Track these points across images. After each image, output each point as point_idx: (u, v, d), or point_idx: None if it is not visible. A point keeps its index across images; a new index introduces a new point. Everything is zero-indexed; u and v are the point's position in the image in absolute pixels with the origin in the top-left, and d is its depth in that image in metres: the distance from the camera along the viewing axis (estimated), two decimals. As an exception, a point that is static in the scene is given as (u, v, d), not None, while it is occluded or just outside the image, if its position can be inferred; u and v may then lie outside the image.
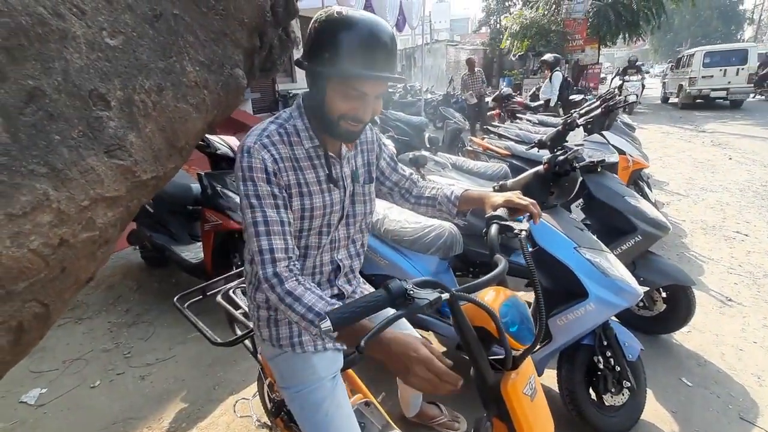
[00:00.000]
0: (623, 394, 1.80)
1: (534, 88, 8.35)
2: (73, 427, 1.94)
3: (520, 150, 3.73)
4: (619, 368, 1.76)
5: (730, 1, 37.92)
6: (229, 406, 2.00)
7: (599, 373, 1.76)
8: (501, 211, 1.07)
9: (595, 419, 1.75)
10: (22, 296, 0.61)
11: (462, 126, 6.01)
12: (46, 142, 0.63)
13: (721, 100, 11.91)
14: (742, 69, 11.18)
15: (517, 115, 6.13)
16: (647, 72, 17.22)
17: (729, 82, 11.32)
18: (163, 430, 1.91)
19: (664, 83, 15.14)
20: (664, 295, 2.38)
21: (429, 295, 0.70)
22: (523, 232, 0.94)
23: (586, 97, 7.02)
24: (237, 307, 1.51)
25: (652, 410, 1.92)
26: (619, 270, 1.75)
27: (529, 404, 0.87)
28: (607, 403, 1.81)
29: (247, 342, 1.49)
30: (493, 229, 0.99)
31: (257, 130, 0.99)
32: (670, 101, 14.26)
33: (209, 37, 0.93)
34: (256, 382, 1.86)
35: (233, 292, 1.59)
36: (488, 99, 8.43)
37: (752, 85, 11.71)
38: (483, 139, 4.18)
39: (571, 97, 6.85)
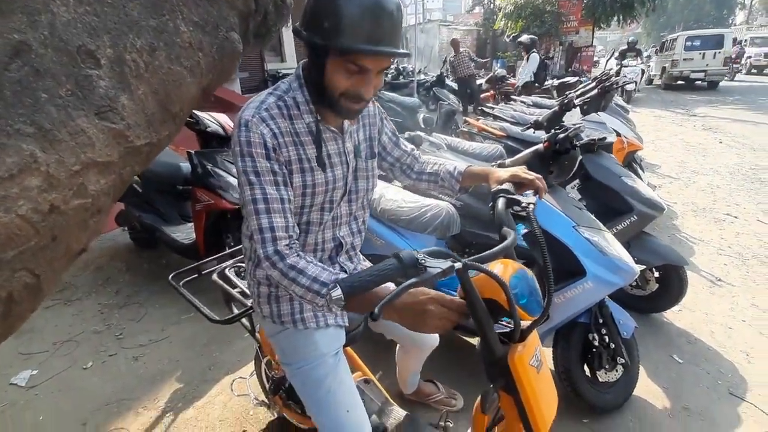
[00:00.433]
0: (617, 371, 1.83)
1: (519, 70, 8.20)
2: (65, 408, 1.92)
3: (516, 131, 3.70)
4: (613, 345, 1.79)
5: (724, -15, 37.86)
6: (225, 386, 1.99)
7: (594, 350, 1.78)
8: (507, 186, 1.05)
9: (590, 395, 1.77)
10: (12, 265, 0.58)
11: (456, 108, 5.94)
12: (33, 100, 0.59)
13: (700, 81, 12.84)
14: (719, 53, 12.13)
15: (511, 96, 6.08)
16: (648, 57, 16.41)
17: (707, 65, 12.29)
18: (159, 410, 1.90)
19: (648, 66, 15.79)
20: (656, 274, 2.41)
21: (441, 264, 0.68)
22: (531, 206, 0.92)
23: (581, 79, 6.98)
24: (233, 286, 1.48)
25: (644, 386, 1.96)
26: (616, 249, 1.75)
27: (536, 376, 0.86)
28: (600, 380, 1.85)
29: (245, 320, 1.46)
30: (500, 202, 0.97)
31: (255, 102, 0.94)
32: (654, 82, 15.32)
33: (203, -5, 0.88)
34: (252, 362, 1.84)
35: (229, 271, 1.56)
36: (481, 81, 8.34)
37: (727, 68, 12.67)
38: (478, 120, 4.13)
39: (565, 79, 6.80)
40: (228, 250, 1.71)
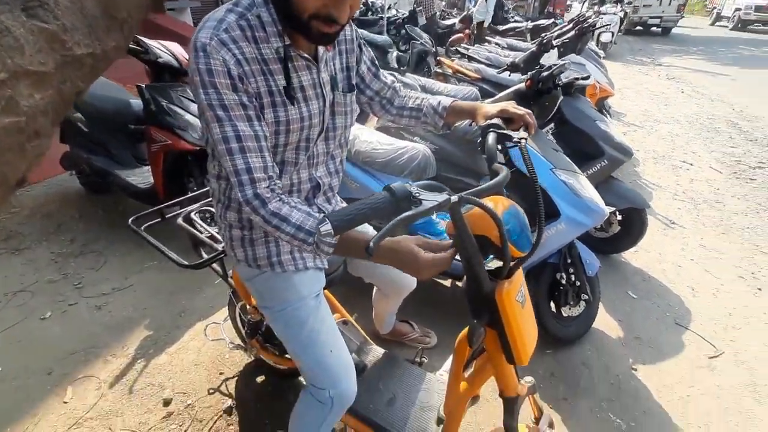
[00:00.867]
0: (580, 306, 1.94)
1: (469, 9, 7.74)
2: (27, 358, 1.83)
3: (491, 73, 3.60)
4: (579, 283, 1.88)
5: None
6: (198, 331, 1.96)
7: (561, 288, 1.87)
8: (496, 122, 1.00)
9: (554, 329, 1.89)
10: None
11: (429, 48, 5.67)
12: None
13: (656, 28, 13.84)
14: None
15: (486, 38, 5.86)
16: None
17: (663, 11, 13.01)
18: (129, 356, 1.85)
19: (624, 11, 15.85)
20: (619, 217, 2.51)
21: (437, 197, 0.63)
22: (524, 141, 0.88)
23: (556, 21, 6.82)
24: (201, 231, 1.39)
25: (602, 320, 2.10)
26: (589, 191, 1.78)
27: (520, 311, 0.87)
28: (564, 315, 1.96)
29: (215, 265, 1.39)
30: (491, 137, 0.92)
31: (211, 21, 0.80)
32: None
33: None
34: (226, 307, 1.80)
35: (195, 215, 1.46)
36: (455, 20, 7.96)
37: (680, 14, 13.30)
38: (452, 61, 3.97)
39: (539, 22, 6.62)
40: (191, 194, 1.59)
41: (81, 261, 2.48)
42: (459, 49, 4.35)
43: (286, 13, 0.81)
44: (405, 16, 7.70)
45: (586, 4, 11.69)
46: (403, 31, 7.03)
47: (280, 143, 0.92)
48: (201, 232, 1.38)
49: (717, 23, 18.37)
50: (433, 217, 1.99)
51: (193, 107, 2.42)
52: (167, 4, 6.12)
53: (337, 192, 1.17)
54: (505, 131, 0.92)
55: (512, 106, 1.04)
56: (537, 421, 1.07)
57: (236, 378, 1.74)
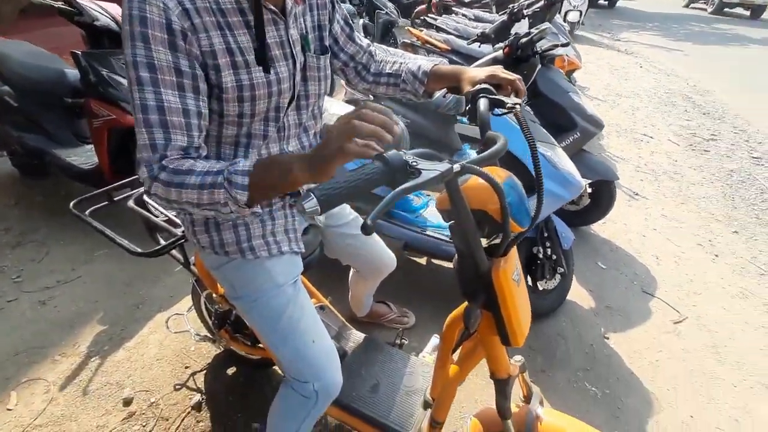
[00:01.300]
0: (555, 279, 1.95)
1: None
2: (-42, 363, 1.62)
3: (461, 44, 3.49)
4: (555, 257, 1.88)
5: None
6: (159, 324, 1.81)
7: (539, 262, 1.86)
8: (486, 86, 0.91)
9: (532, 303, 1.88)
10: None
11: (395, 18, 5.46)
12: None
13: (602, 1, 13.77)
14: None
15: (452, 9, 5.71)
16: None
17: None
18: (81, 355, 1.68)
19: None
20: (590, 190, 2.54)
21: (437, 166, 0.54)
22: (518, 106, 0.80)
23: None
24: (156, 214, 1.24)
25: (574, 290, 2.13)
26: (565, 163, 1.76)
27: (517, 290, 0.82)
28: (540, 288, 1.97)
29: (175, 252, 1.25)
30: (482, 104, 0.84)
31: None
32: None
33: None
34: (189, 296, 1.66)
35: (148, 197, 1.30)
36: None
37: None
38: (421, 31, 3.83)
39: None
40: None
41: (19, 252, 2.22)
42: (426, 19, 4.20)
43: None
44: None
45: None
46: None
47: (246, 113, 0.79)
48: (156, 216, 1.23)
49: (692, 4, 15.52)
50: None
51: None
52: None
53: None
54: (497, 96, 0.84)
55: (501, 71, 0.95)
56: (527, 399, 1.05)
57: (204, 371, 1.62)
